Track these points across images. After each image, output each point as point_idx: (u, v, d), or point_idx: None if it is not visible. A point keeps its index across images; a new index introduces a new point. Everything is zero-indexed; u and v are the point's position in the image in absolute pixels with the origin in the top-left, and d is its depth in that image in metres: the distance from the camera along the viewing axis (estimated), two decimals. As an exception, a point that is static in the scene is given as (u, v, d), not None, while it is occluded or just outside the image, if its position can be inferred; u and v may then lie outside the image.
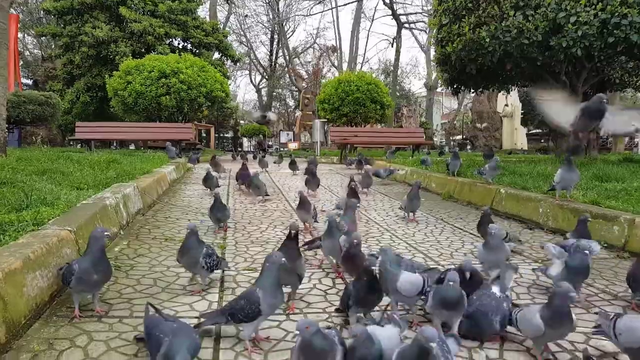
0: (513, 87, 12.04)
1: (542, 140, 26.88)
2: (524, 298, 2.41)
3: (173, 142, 10.13)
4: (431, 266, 2.68)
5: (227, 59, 22.80)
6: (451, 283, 1.78)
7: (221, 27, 26.35)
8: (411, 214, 4.45)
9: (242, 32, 38.22)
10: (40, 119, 13.16)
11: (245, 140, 34.81)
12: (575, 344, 1.88)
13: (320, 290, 2.47)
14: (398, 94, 34.23)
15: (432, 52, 16.36)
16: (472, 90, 10.54)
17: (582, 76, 7.88)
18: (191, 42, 20.93)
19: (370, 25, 62.82)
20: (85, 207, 3.12)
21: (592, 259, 2.41)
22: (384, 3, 31.55)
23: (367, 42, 78.64)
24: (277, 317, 2.07)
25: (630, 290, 2.34)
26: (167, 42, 20.17)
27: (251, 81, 42.79)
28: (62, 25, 20.13)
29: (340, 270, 2.68)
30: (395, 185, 7.51)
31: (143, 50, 19.10)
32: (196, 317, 2.01)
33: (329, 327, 1.54)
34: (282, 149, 23.49)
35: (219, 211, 3.62)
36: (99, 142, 13.18)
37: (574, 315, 1.68)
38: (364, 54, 40.96)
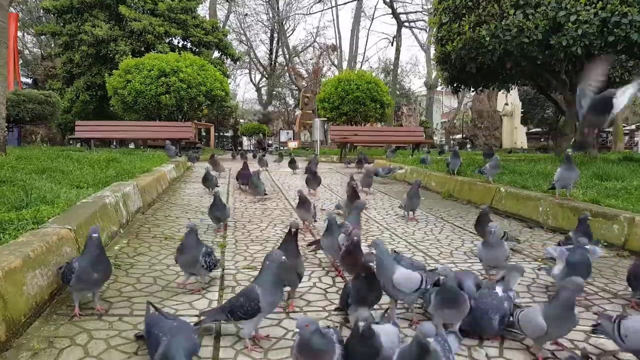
0: (513, 86, 12.03)
1: (542, 139, 26.92)
2: (524, 297, 2.40)
3: (173, 141, 10.13)
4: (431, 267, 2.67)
5: (226, 58, 22.77)
6: (443, 277, 1.77)
7: (221, 25, 26.31)
8: (411, 212, 4.45)
9: (241, 31, 38.21)
10: (40, 118, 13.16)
11: (245, 139, 34.82)
12: (575, 342, 1.88)
13: (320, 288, 2.47)
14: (398, 93, 34.20)
15: (432, 51, 16.34)
16: (472, 89, 10.53)
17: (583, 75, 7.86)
18: (191, 41, 20.91)
19: (370, 24, 62.95)
20: (85, 205, 3.12)
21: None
22: (384, 2, 31.55)
23: (367, 41, 78.63)
24: (277, 315, 2.07)
25: (630, 289, 2.34)
26: (167, 40, 20.14)
27: (251, 80, 42.81)
28: (62, 24, 20.10)
29: (340, 268, 2.68)
30: (395, 184, 7.51)
31: (143, 49, 19.08)
32: (196, 316, 2.01)
33: (327, 327, 1.54)
34: (282, 148, 23.49)
35: (218, 210, 3.62)
36: (98, 141, 13.19)
37: (576, 312, 1.68)
38: (364, 52, 40.98)
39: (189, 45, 21.18)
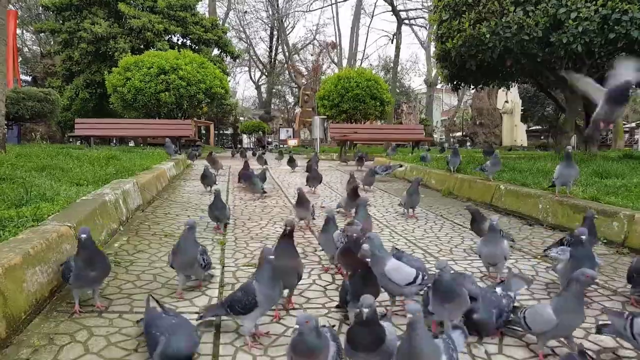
0: (513, 84, 12.01)
1: (542, 137, 26.93)
2: (523, 293, 2.40)
3: (172, 139, 10.11)
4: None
5: (226, 56, 22.75)
6: (439, 271, 1.77)
7: (220, 23, 26.30)
8: (411, 210, 4.46)
9: (241, 29, 38.19)
10: (40, 116, 13.15)
11: (245, 137, 34.82)
12: (575, 338, 1.88)
13: (320, 286, 2.47)
14: (398, 91, 34.19)
15: (432, 49, 16.32)
16: (472, 87, 10.52)
17: (582, 72, 7.85)
18: (190, 39, 20.89)
19: (370, 22, 62.99)
20: (85, 203, 3.11)
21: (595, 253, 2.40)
22: (384, -1, 31.46)
23: (367, 39, 78.67)
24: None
25: (629, 286, 2.34)
26: (167, 38, 20.13)
27: (250, 78, 42.81)
28: (61, 22, 20.08)
29: (338, 265, 2.68)
30: (395, 181, 7.51)
31: (142, 46, 19.06)
32: (196, 313, 2.01)
33: (323, 326, 1.54)
34: (281, 146, 23.49)
35: (217, 210, 3.60)
36: (98, 139, 13.18)
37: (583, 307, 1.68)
38: (364, 50, 41.02)
39: (188, 42, 21.17)
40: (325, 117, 17.18)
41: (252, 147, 27.60)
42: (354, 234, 2.26)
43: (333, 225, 2.68)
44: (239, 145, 29.00)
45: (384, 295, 2.12)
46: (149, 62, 14.28)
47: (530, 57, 7.39)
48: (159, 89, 14.03)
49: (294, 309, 2.14)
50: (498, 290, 1.97)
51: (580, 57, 7.31)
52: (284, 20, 37.28)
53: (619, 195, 4.01)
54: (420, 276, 2.02)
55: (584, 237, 2.23)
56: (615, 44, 6.55)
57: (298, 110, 31.24)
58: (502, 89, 12.85)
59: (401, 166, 7.87)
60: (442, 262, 1.82)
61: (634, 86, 3.24)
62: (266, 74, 39.31)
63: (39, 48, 29.56)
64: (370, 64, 41.30)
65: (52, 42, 25.45)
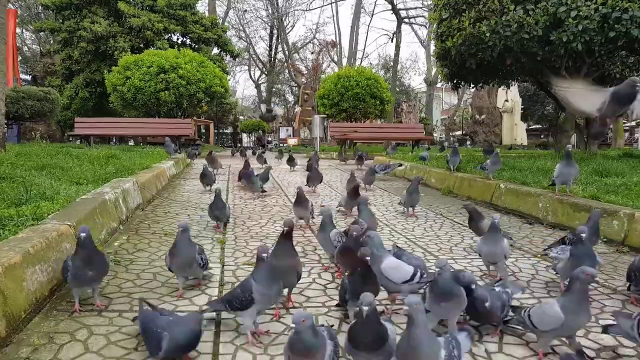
0: (513, 82, 12.00)
1: (542, 136, 26.92)
2: (524, 293, 2.40)
3: (172, 138, 10.11)
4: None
5: (226, 54, 22.73)
6: (438, 269, 1.76)
7: (220, 22, 26.26)
8: (410, 209, 4.45)
9: (241, 27, 38.16)
10: (39, 115, 13.15)
11: (244, 136, 34.80)
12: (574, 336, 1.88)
13: (320, 284, 2.47)
14: (398, 90, 34.17)
15: (432, 47, 16.31)
16: (472, 86, 10.51)
17: (582, 71, 7.86)
18: (190, 37, 20.88)
19: (370, 20, 62.79)
20: (85, 202, 3.11)
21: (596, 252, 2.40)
22: (384, -2, 31.41)
23: (366, 37, 78.62)
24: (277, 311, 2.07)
25: (628, 285, 2.34)
26: (166, 37, 20.11)
27: (250, 77, 42.77)
28: (61, 21, 20.07)
29: (336, 264, 2.68)
30: (395, 180, 7.51)
31: (142, 45, 19.05)
32: (196, 311, 2.01)
33: (321, 325, 1.54)
34: (281, 145, 23.48)
35: (217, 209, 3.60)
36: (98, 138, 13.17)
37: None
38: (364, 49, 41.02)
39: (188, 41, 21.16)
40: (325, 116, 17.18)
41: (252, 146, 27.59)
42: (354, 232, 2.26)
43: (330, 224, 2.69)
44: (238, 144, 29.00)
45: (383, 294, 2.12)
46: (148, 61, 14.28)
47: (530, 56, 7.38)
48: (158, 88, 14.02)
49: (293, 307, 2.14)
50: (496, 288, 1.97)
51: (580, 56, 7.30)
52: (283, 19, 37.26)
53: (619, 194, 4.01)
54: (418, 274, 2.02)
55: (584, 235, 2.23)
56: (616, 42, 6.54)
57: (298, 109, 31.23)
58: (502, 87, 12.86)
59: (401, 165, 7.85)
60: (442, 260, 1.82)
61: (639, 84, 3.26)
62: (266, 73, 39.28)
63: (38, 47, 29.53)
64: (370, 63, 41.30)
65: (51, 41, 25.45)
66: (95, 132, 12.63)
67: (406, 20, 33.14)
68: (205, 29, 20.76)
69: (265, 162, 8.74)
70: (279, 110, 21.64)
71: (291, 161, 8.40)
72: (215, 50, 22.80)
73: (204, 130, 26.18)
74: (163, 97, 14.10)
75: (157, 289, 2.32)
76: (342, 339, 1.63)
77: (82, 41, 18.74)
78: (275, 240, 3.29)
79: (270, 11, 37.16)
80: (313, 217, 3.87)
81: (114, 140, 16.88)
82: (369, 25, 74.67)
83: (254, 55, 39.52)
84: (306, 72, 37.55)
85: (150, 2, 19.50)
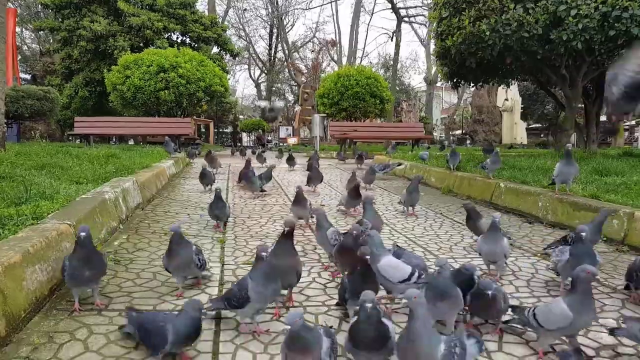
0: (513, 81, 11.99)
1: (542, 135, 26.91)
2: (523, 292, 2.41)
3: (172, 137, 10.10)
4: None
5: (226, 53, 22.72)
6: (438, 267, 1.76)
7: (220, 21, 26.25)
8: (410, 208, 4.45)
9: (241, 26, 38.12)
10: (39, 114, 13.13)
11: (244, 135, 34.78)
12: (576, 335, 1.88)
13: (320, 283, 2.47)
14: (398, 89, 34.14)
15: (432, 46, 16.30)
16: (471, 85, 10.51)
17: (582, 70, 7.86)
18: (190, 36, 20.86)
19: (370, 19, 62.70)
20: (85, 201, 3.11)
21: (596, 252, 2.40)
22: (384, -3, 31.38)
23: (366, 36, 78.53)
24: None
25: (627, 284, 2.35)
26: (166, 36, 20.09)
27: (250, 76, 42.75)
28: (60, 20, 20.05)
29: (333, 264, 2.68)
30: (395, 179, 7.51)
31: (141, 44, 19.04)
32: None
33: (321, 326, 1.55)
34: (281, 144, 23.47)
35: (217, 209, 3.60)
36: (97, 137, 13.15)
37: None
38: (364, 48, 40.98)
39: (187, 40, 21.14)
40: (325, 115, 17.18)
41: (251, 145, 27.58)
42: (354, 232, 2.26)
43: (326, 222, 2.70)
44: (238, 144, 28.97)
45: (382, 293, 2.12)
46: (148, 60, 14.26)
47: (530, 55, 7.38)
48: (158, 87, 14.02)
49: (293, 306, 2.14)
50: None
51: (580, 55, 7.30)
52: (283, 18, 37.24)
53: (619, 193, 4.01)
54: (416, 274, 2.02)
55: (584, 234, 2.23)
56: (616, 41, 6.54)
57: (298, 108, 31.21)
58: (502, 86, 12.85)
59: (400, 165, 7.84)
60: (442, 259, 1.82)
61: None
62: (266, 72, 39.26)
63: (38, 46, 29.51)
64: (370, 62, 41.27)
65: (51, 40, 25.42)
66: (95, 131, 12.62)
67: (406, 19, 33.10)
68: (205, 28, 20.74)
69: (264, 161, 8.74)
70: (278, 103, 21.47)
71: (291, 160, 8.40)
72: (215, 49, 22.78)
73: (203, 130, 26.16)
74: (163, 96, 14.09)
75: (157, 288, 2.32)
76: (342, 338, 1.63)
77: (82, 40, 18.72)
78: (275, 239, 3.30)
79: (270, 10, 37.17)
80: (312, 217, 3.87)
81: (114, 139, 16.87)
82: (368, 24, 74.62)
83: (253, 54, 39.52)
84: (306, 71, 37.52)
85: (150, 1, 19.48)
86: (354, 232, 2.26)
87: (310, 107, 25.96)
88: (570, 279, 2.37)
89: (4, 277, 1.77)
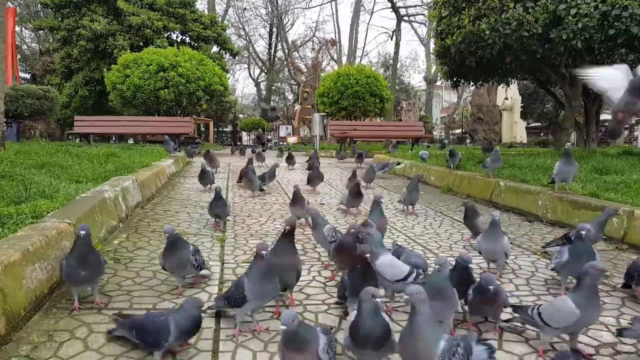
0: (513, 80, 11.99)
1: (542, 134, 26.90)
2: (523, 290, 2.41)
3: (172, 136, 10.10)
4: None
5: (225, 53, 22.69)
6: (438, 266, 1.76)
7: (220, 20, 26.23)
8: (410, 206, 4.45)
9: (240, 26, 38.08)
10: (39, 113, 13.10)
11: (244, 134, 34.75)
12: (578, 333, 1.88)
13: (320, 282, 2.47)
14: (397, 88, 34.12)
15: (432, 45, 16.29)
16: (471, 83, 10.50)
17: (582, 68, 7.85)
18: (189, 36, 20.83)
19: (370, 18, 62.60)
20: (84, 200, 3.11)
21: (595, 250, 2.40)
22: (384, -4, 31.36)
23: (366, 35, 78.32)
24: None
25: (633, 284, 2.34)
26: (166, 35, 20.07)
27: (250, 75, 42.69)
28: (60, 19, 20.02)
29: (333, 263, 2.68)
30: (395, 178, 7.51)
31: (141, 43, 19.01)
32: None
33: (319, 327, 1.55)
34: (281, 143, 23.47)
35: (218, 207, 3.59)
36: (97, 136, 13.14)
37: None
38: (364, 47, 40.91)
39: (187, 39, 21.11)
40: (325, 114, 17.17)
41: (251, 144, 27.54)
42: (352, 229, 2.27)
43: (321, 220, 2.72)
44: (238, 143, 28.96)
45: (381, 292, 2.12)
46: (148, 60, 14.25)
47: (530, 54, 7.38)
48: (158, 86, 14.00)
49: (293, 305, 2.14)
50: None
51: (580, 54, 7.29)
52: (283, 17, 37.19)
53: (619, 192, 4.01)
54: (413, 274, 2.01)
55: (584, 232, 2.23)
56: (615, 40, 6.54)
57: (297, 107, 31.19)
58: (501, 85, 12.84)
59: (399, 164, 7.84)
60: (442, 258, 1.82)
61: None
62: (265, 71, 39.23)
63: (37, 45, 29.47)
64: (370, 61, 41.24)
65: (51, 40, 25.37)
66: (95, 130, 12.61)
67: (406, 18, 33.06)
68: (205, 27, 20.72)
69: (264, 160, 8.74)
70: (280, 105, 21.50)
71: (290, 159, 8.39)
72: (215, 49, 22.74)
73: (203, 129, 26.14)
74: (162, 95, 14.08)
75: (156, 287, 2.32)
76: (342, 338, 1.63)
77: (82, 39, 18.70)
78: (274, 238, 3.30)
79: (269, 9, 37.13)
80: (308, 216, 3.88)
81: (114, 138, 16.85)
82: (368, 23, 74.57)
83: (253, 54, 39.47)
84: (306, 70, 37.49)
85: (150, 0, 19.46)
86: (352, 230, 2.27)
87: (310, 106, 25.94)
88: (570, 278, 2.38)
89: (4, 276, 1.77)
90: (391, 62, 34.73)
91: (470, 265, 1.91)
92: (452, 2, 7.84)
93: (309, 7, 51.24)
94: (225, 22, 30.59)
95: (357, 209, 4.39)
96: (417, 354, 1.35)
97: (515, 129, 21.14)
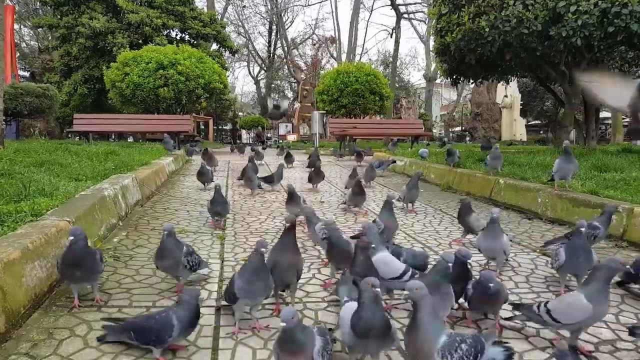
0: (512, 78, 11.98)
1: (541, 132, 26.91)
2: (523, 288, 2.41)
3: (171, 134, 10.09)
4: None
5: (225, 50, 22.65)
6: (443, 260, 1.76)
7: (219, 17, 26.15)
8: (410, 204, 4.45)
9: (240, 23, 37.98)
10: (38, 111, 13.09)
11: (244, 132, 34.72)
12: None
13: (320, 280, 2.47)
14: (397, 85, 34.11)
15: (432, 43, 16.27)
16: (471, 81, 10.49)
17: (582, 66, 7.84)
18: (189, 33, 20.78)
19: (369, 16, 62.35)
20: (84, 198, 3.11)
21: (592, 248, 2.41)
22: (383, -7, 31.30)
23: (366, 33, 77.90)
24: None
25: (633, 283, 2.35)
26: (165, 33, 20.03)
27: (249, 73, 42.62)
28: (59, 17, 19.96)
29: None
30: (395, 176, 7.51)
31: (140, 41, 18.97)
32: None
33: (318, 327, 1.56)
34: (282, 141, 23.45)
35: (218, 205, 3.58)
36: (97, 134, 13.13)
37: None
38: (363, 44, 40.77)
39: (187, 37, 21.06)
40: (325, 112, 17.16)
41: (251, 142, 27.52)
42: (361, 229, 2.27)
43: (314, 219, 2.74)
44: (238, 141, 28.94)
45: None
46: (147, 57, 14.23)
47: (530, 51, 7.37)
48: (157, 84, 13.99)
49: (293, 304, 2.14)
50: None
51: (579, 51, 7.29)
52: (282, 14, 37.12)
53: (618, 189, 4.01)
54: (409, 273, 2.01)
55: (583, 229, 2.23)
56: (615, 37, 6.53)
57: (297, 105, 31.14)
58: (501, 83, 12.84)
59: (394, 162, 7.82)
60: (448, 254, 1.82)
61: None
62: (265, 68, 39.17)
63: (36, 43, 29.41)
64: (370, 59, 41.21)
65: (50, 38, 25.31)
66: (94, 128, 12.60)
67: (405, 15, 33.05)
68: (204, 24, 20.67)
69: (262, 158, 8.73)
70: (284, 104, 21.28)
71: (289, 157, 8.38)
72: (214, 46, 22.70)
73: (203, 127, 26.12)
74: (162, 93, 14.07)
75: (156, 285, 2.32)
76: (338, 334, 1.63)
77: (81, 37, 18.65)
78: (274, 235, 3.31)
79: (269, 7, 37.02)
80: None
81: (113, 136, 16.85)
82: (368, 21, 74.54)
83: (253, 51, 39.39)
84: (305, 68, 37.42)
85: (149, -2, 19.42)
86: (359, 231, 2.27)
87: (310, 104, 25.90)
88: (569, 276, 2.38)
89: (4, 274, 1.77)
90: (391, 59, 34.73)
91: (469, 260, 1.91)
92: (451, -1, 7.83)
93: (308, 5, 50.98)
94: (225, 19, 30.50)
95: (359, 207, 4.37)
96: (418, 348, 1.36)
97: (514, 126, 21.14)
